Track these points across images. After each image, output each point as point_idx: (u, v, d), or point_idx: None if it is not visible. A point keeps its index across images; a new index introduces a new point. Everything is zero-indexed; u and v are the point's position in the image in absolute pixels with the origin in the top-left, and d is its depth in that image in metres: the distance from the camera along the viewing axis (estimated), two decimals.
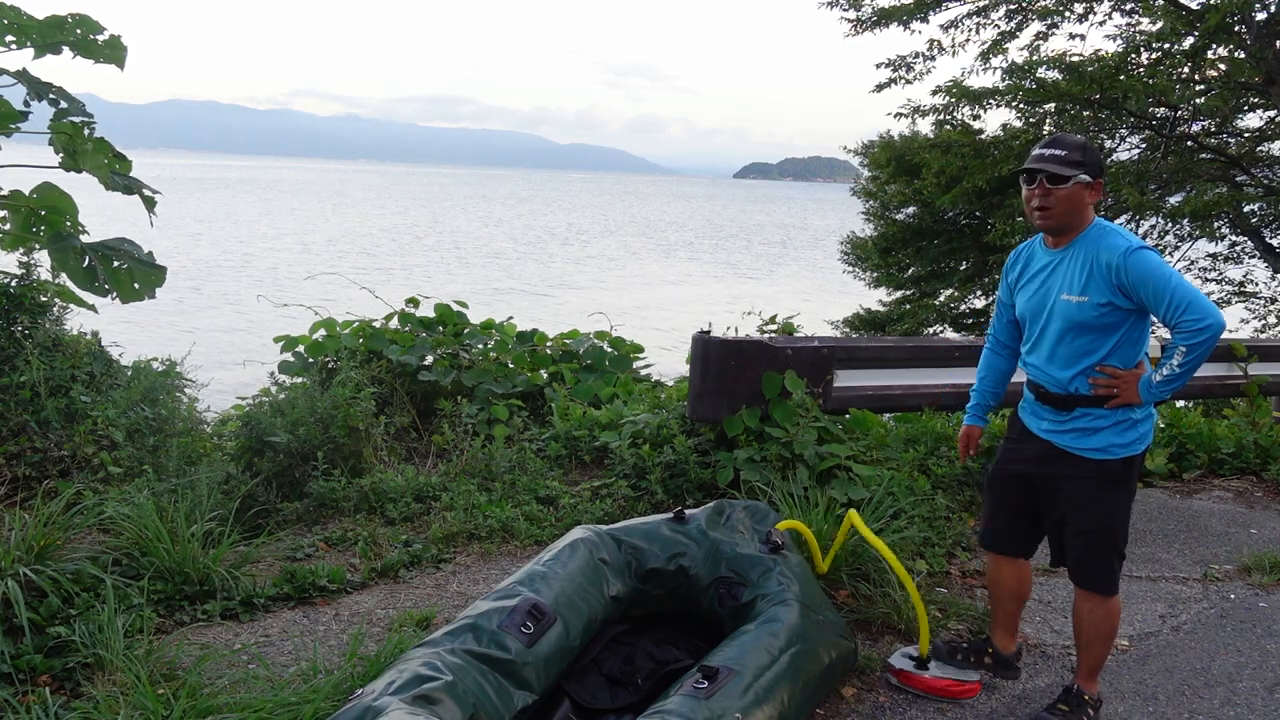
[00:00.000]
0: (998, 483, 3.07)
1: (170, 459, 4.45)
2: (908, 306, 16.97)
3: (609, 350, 7.11)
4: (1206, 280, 14.63)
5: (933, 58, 12.07)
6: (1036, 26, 11.86)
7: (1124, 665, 3.36)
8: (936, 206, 14.27)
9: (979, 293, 16.55)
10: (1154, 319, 2.74)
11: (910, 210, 17.23)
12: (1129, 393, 2.70)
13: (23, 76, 3.95)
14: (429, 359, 6.63)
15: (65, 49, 4.15)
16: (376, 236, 48.32)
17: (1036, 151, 2.75)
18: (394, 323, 6.98)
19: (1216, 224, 13.10)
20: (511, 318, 7.52)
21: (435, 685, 2.26)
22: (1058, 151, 2.70)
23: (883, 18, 11.91)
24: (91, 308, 4.80)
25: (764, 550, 3.04)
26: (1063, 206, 2.70)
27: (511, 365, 6.83)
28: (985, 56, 11.81)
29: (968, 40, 11.97)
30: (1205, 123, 12.35)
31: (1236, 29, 10.32)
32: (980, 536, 3.21)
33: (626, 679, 2.84)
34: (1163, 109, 11.67)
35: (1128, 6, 11.63)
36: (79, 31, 4.13)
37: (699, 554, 3.05)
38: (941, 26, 11.94)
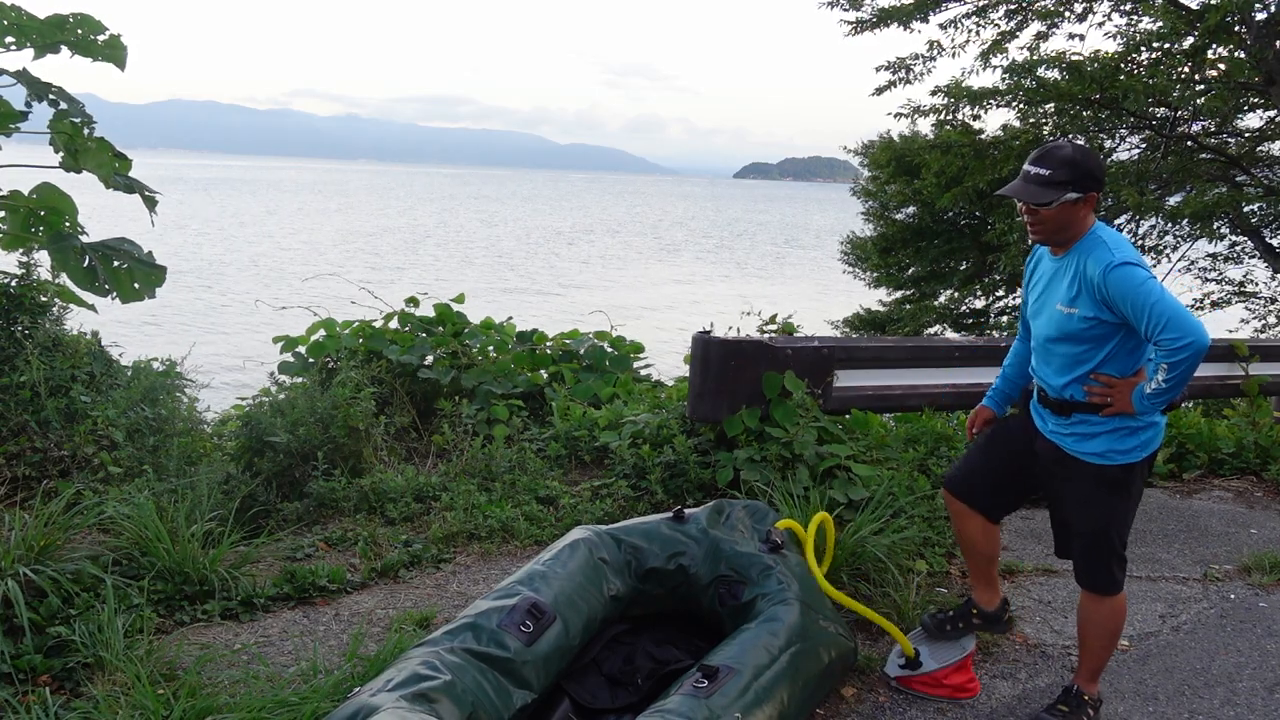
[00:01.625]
0: (996, 449, 3.06)
1: (170, 459, 4.45)
2: (908, 307, 16.97)
3: (609, 350, 7.11)
4: (1206, 280, 14.62)
5: (933, 58, 12.06)
6: (1036, 26, 11.86)
7: (1124, 665, 3.36)
8: (936, 206, 14.26)
9: (979, 293, 16.55)
10: None
11: (910, 210, 17.23)
12: (1122, 402, 2.68)
13: (23, 77, 3.95)
14: (429, 359, 6.63)
15: (64, 49, 4.15)
16: (383, 236, 48.40)
17: (1024, 168, 2.70)
18: (394, 323, 6.99)
19: (1216, 224, 13.09)
20: (511, 318, 7.53)
21: (433, 684, 2.26)
22: (1042, 170, 2.63)
23: (882, 18, 11.90)
24: (91, 307, 4.81)
25: (764, 549, 3.04)
26: (1050, 225, 2.68)
27: (512, 365, 6.83)
28: (985, 56, 11.80)
29: (968, 40, 11.96)
30: (1205, 123, 12.33)
31: (1236, 29, 10.31)
32: (946, 475, 3.20)
33: (626, 679, 2.84)
34: (1163, 109, 11.66)
35: (1127, 6, 11.63)
36: (80, 31, 4.13)
37: (699, 553, 3.05)
38: (941, 27, 11.94)
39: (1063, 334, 2.73)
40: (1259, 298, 14.83)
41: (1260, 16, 10.14)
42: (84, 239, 4.27)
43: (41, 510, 3.20)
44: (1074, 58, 11.19)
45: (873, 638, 3.40)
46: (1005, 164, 12.16)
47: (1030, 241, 2.81)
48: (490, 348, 6.91)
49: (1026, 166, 2.69)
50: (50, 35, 4.08)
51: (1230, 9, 9.49)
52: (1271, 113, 12.04)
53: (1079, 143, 2.81)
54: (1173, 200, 12.33)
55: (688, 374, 4.79)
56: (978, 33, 11.85)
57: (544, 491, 4.51)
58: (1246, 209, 12.71)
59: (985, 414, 3.22)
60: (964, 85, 11.78)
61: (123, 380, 4.80)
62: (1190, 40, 10.74)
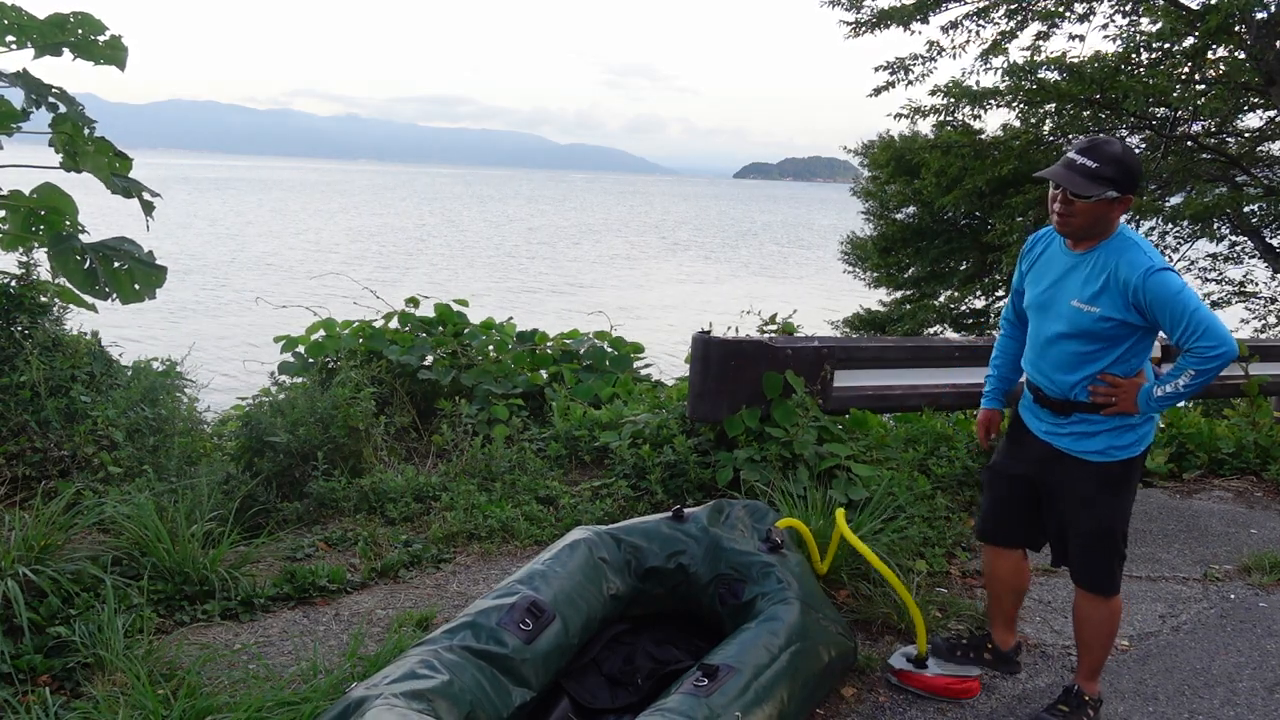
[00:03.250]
0: (998, 479, 3.05)
1: (170, 459, 4.45)
2: (908, 306, 16.98)
3: (609, 350, 7.11)
4: (1206, 280, 14.64)
5: (933, 59, 12.07)
6: (1037, 27, 11.87)
7: (1124, 665, 3.36)
8: (936, 207, 14.27)
9: (979, 293, 16.56)
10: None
11: (910, 210, 17.25)
12: (1127, 402, 2.68)
13: (21, 79, 3.95)
14: (429, 359, 6.63)
15: (65, 50, 4.15)
16: (389, 235, 48.39)
17: (1069, 155, 2.63)
18: (394, 323, 6.99)
19: (1216, 224, 13.11)
20: (511, 318, 7.53)
21: (430, 683, 2.26)
22: (1088, 162, 2.57)
23: (882, 19, 11.90)
24: (91, 308, 4.81)
25: (763, 549, 3.04)
26: (1082, 220, 2.62)
27: (512, 365, 6.83)
28: (985, 57, 11.81)
29: (968, 41, 11.97)
30: (1205, 123, 12.34)
31: (1236, 29, 10.32)
32: (977, 529, 3.19)
33: (626, 679, 2.84)
34: (1163, 109, 11.67)
35: (1128, 7, 11.63)
36: (80, 31, 4.14)
37: (698, 552, 3.05)
38: (941, 28, 11.95)
39: (1076, 330, 2.69)
40: (1259, 298, 14.85)
41: (1260, 16, 10.14)
42: (84, 239, 4.28)
43: (41, 510, 3.20)
44: (1074, 59, 11.21)
45: (872, 637, 3.40)
46: (1005, 164, 12.18)
47: (1057, 230, 2.72)
48: (490, 347, 6.91)
49: (1072, 155, 2.62)
50: (50, 35, 4.08)
51: (1230, 9, 9.49)
52: (1271, 113, 12.05)
53: (1126, 143, 2.75)
54: (1173, 200, 12.34)
55: (688, 374, 4.79)
56: (978, 33, 11.87)
57: (544, 491, 4.51)
58: (1246, 209, 12.72)
59: (994, 416, 3.19)
60: (964, 85, 11.79)
61: (123, 380, 4.79)
62: (1190, 41, 10.75)
